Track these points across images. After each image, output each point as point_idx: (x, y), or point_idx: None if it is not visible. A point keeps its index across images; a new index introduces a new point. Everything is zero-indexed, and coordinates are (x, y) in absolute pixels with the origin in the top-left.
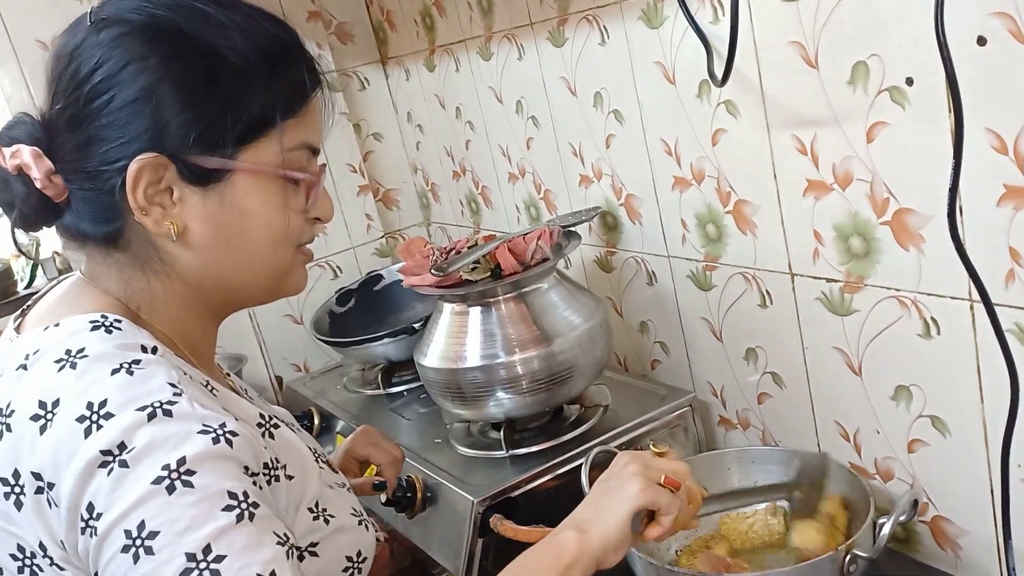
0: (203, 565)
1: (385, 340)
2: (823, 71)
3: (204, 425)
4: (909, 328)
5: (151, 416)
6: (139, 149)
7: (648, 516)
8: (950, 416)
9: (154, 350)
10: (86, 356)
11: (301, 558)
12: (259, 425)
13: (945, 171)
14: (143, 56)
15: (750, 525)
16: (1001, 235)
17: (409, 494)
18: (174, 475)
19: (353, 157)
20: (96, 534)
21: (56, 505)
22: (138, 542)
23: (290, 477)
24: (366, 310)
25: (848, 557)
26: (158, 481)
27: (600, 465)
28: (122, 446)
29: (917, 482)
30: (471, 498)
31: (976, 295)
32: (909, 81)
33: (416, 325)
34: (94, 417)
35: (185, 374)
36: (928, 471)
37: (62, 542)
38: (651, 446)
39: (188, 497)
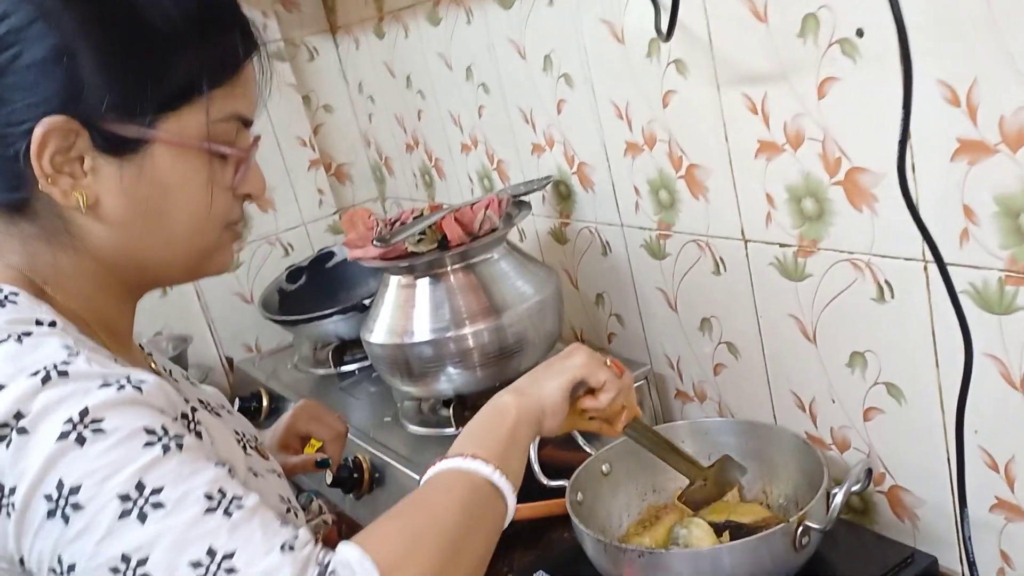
0: (141, 502)
1: (334, 317)
2: (772, 24)
3: (105, 380)
4: (863, 292)
5: (45, 379)
6: (47, 111)
7: (587, 393)
8: (905, 382)
9: (52, 324)
10: None
11: None
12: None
13: (897, 126)
14: (55, 11)
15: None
16: (955, 192)
17: (356, 474)
18: (80, 427)
19: (303, 130)
20: (14, 509)
21: None
22: (61, 502)
23: (214, 447)
24: (317, 288)
25: (800, 529)
26: (63, 436)
27: (555, 441)
28: (18, 415)
29: (873, 451)
30: (418, 477)
31: (930, 255)
32: (859, 32)
33: (366, 302)
34: None
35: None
36: (884, 440)
37: None
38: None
39: (101, 444)
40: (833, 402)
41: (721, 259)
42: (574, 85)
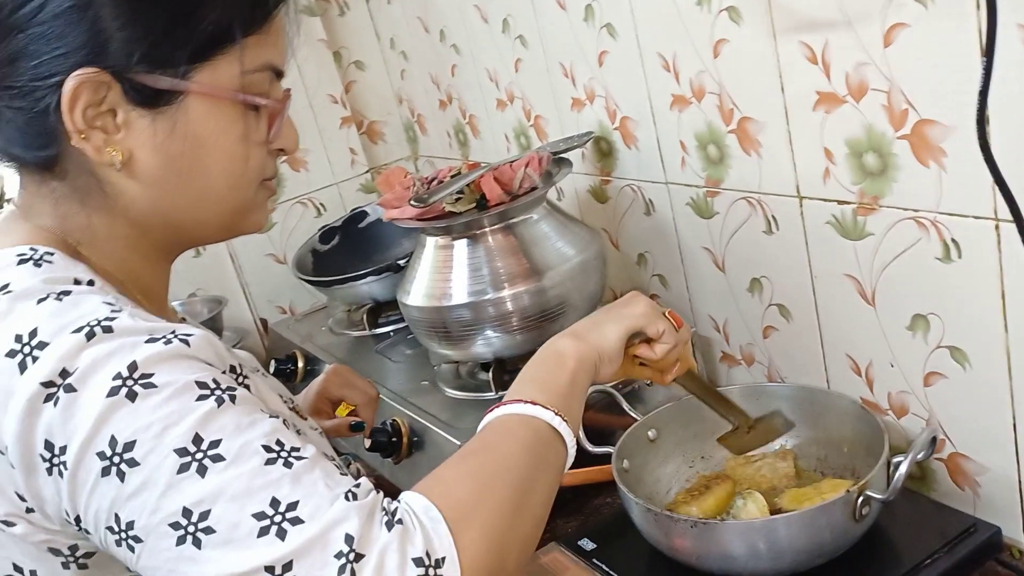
0: (199, 455)
1: (369, 279)
2: None
3: (151, 334)
4: (928, 252)
5: (90, 335)
6: (77, 64)
7: (643, 342)
8: (970, 346)
9: (90, 283)
10: (10, 292)
11: None
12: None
13: (971, 77)
14: None
15: (757, 469)
16: None
17: (395, 439)
18: (129, 382)
19: (334, 87)
20: (66, 469)
21: (2, 454)
22: (116, 459)
23: (262, 399)
24: (351, 248)
25: (861, 499)
26: (114, 392)
27: (600, 406)
28: (64, 373)
29: (933, 417)
30: (459, 442)
31: (1003, 213)
32: None
33: (401, 262)
34: (26, 349)
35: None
36: (945, 406)
37: (19, 495)
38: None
39: (153, 398)
40: (892, 366)
41: (773, 217)
42: (617, 36)
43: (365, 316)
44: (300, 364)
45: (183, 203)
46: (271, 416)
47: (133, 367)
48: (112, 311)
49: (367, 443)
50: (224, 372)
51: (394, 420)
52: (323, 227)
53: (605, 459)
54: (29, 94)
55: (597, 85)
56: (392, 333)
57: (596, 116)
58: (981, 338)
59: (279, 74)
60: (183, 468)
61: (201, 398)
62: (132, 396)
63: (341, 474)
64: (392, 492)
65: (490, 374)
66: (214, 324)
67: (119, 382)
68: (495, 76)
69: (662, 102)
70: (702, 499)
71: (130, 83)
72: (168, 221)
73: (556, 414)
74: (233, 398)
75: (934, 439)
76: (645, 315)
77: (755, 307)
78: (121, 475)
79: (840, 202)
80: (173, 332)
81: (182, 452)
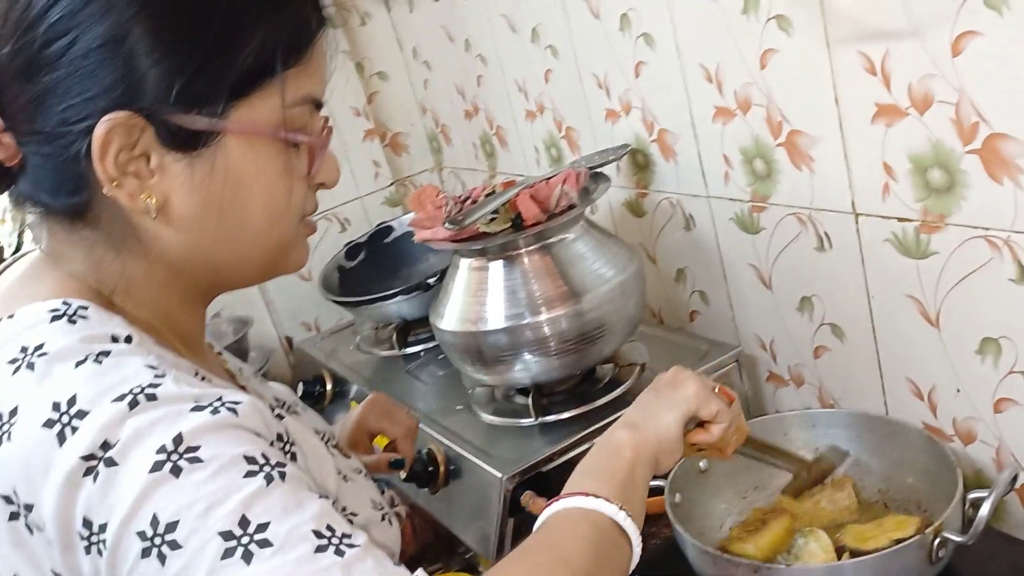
0: (245, 540)
1: (398, 298)
2: None
3: (197, 403)
4: (1000, 272)
5: (133, 404)
6: (108, 107)
7: (696, 426)
8: None
9: (128, 339)
10: (45, 354)
11: None
12: None
13: None
14: None
15: (816, 502)
16: None
17: (431, 468)
18: (174, 456)
19: (357, 99)
20: (105, 548)
21: (40, 530)
22: (157, 540)
23: (307, 465)
24: (377, 264)
25: (937, 540)
26: (157, 467)
27: None
28: (105, 445)
29: (1003, 445)
30: (499, 474)
31: None
32: None
33: (431, 281)
34: (64, 419)
35: (169, 361)
36: (1018, 433)
37: (55, 573)
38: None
39: (199, 473)
40: (958, 391)
41: (826, 234)
42: (656, 46)
43: (395, 335)
44: (328, 386)
45: (222, 245)
46: (320, 496)
47: (179, 439)
48: (156, 376)
49: (403, 474)
50: (272, 443)
51: (430, 449)
52: (349, 243)
53: (654, 491)
54: (57, 139)
55: (633, 96)
56: (422, 353)
57: (632, 128)
58: None
59: (319, 106)
60: (228, 553)
61: (249, 474)
62: (176, 471)
63: (395, 563)
64: (429, 522)
65: (529, 399)
66: (240, 345)
67: (163, 455)
68: (524, 86)
69: (704, 114)
70: (759, 536)
71: (164, 125)
72: (207, 265)
73: (620, 508)
74: (283, 475)
75: (1016, 476)
76: (698, 396)
77: (805, 326)
78: (162, 558)
79: (901, 219)
80: (220, 399)
81: (227, 536)
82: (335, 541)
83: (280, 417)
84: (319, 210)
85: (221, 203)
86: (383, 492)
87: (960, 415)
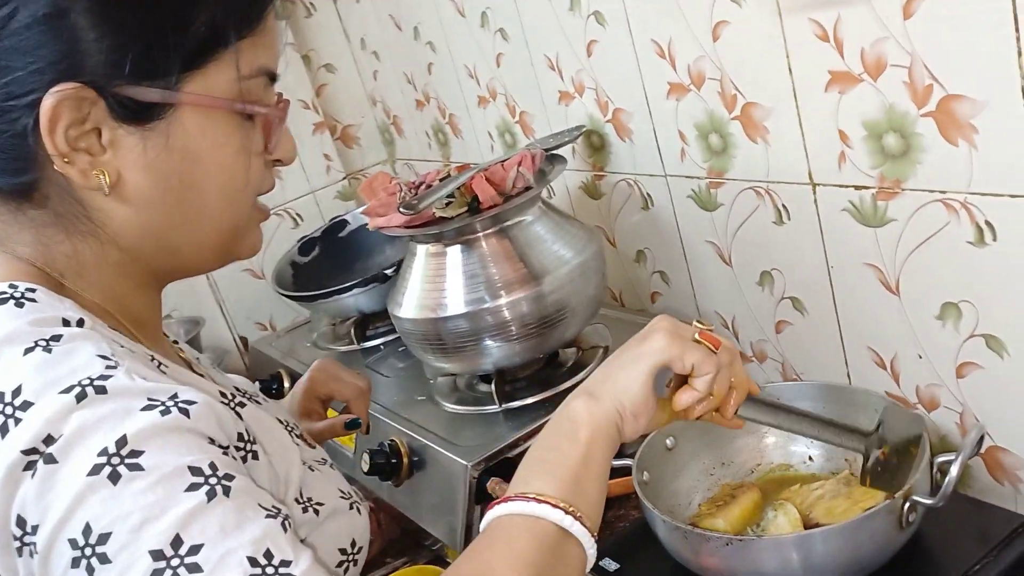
0: (175, 562)
1: (354, 291)
2: None
3: (149, 399)
4: (958, 236)
5: (80, 397)
6: (55, 79)
7: (680, 382)
8: (1008, 334)
9: (80, 323)
10: None
11: None
12: (221, 403)
13: (1005, 46)
14: None
15: (819, 497)
16: None
17: (394, 460)
18: (115, 459)
19: (305, 92)
20: (37, 551)
21: None
22: (88, 551)
23: (268, 459)
24: (332, 259)
25: (907, 505)
26: (96, 471)
27: None
28: (48, 439)
29: (967, 410)
30: (464, 461)
31: None
32: None
33: (388, 272)
34: (8, 410)
35: (123, 347)
36: (981, 398)
37: None
38: (695, 323)
39: (138, 483)
40: (920, 358)
41: (784, 206)
42: (607, 24)
43: (352, 330)
44: (286, 385)
45: (178, 225)
46: (268, 514)
47: (122, 442)
48: (107, 367)
49: (365, 467)
50: (227, 449)
51: (392, 440)
52: (302, 238)
53: (621, 471)
54: (2, 115)
55: (586, 77)
56: (382, 346)
57: (586, 109)
58: (1020, 324)
59: (273, 78)
60: (156, 575)
61: (192, 488)
62: (115, 478)
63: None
64: (396, 516)
65: (492, 386)
66: (192, 346)
67: (104, 459)
68: (475, 72)
69: (658, 91)
70: (728, 510)
71: (116, 98)
72: (161, 245)
73: (567, 511)
74: (227, 490)
75: (982, 438)
76: (666, 347)
77: (766, 301)
78: (91, 570)
79: (858, 187)
80: (174, 397)
81: (157, 555)
82: (270, 570)
83: (242, 405)
84: (270, 205)
85: (176, 180)
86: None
87: (923, 382)
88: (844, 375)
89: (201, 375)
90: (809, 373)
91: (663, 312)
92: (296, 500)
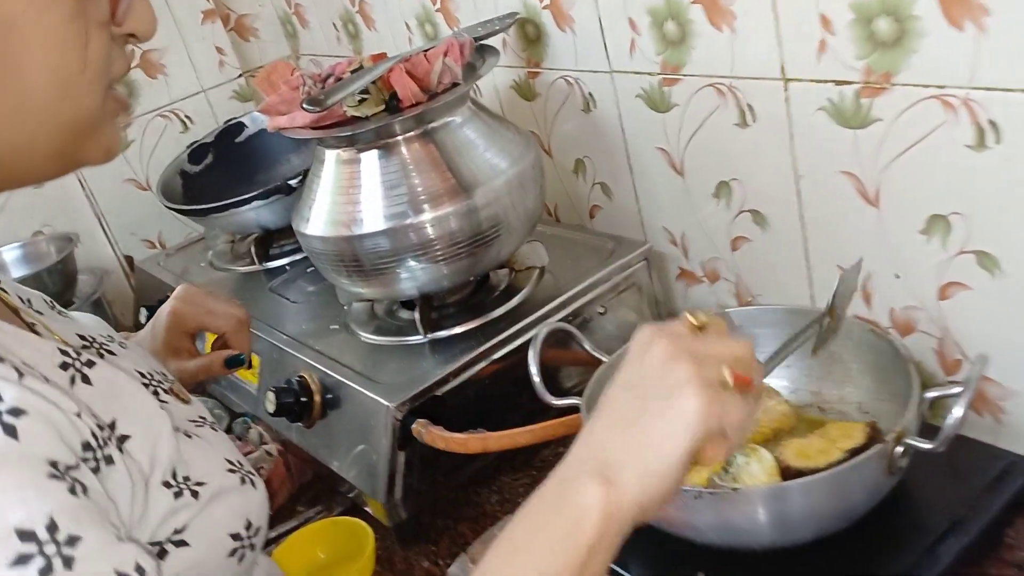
0: None
1: (254, 204)
2: None
3: None
4: (954, 137)
5: None
6: None
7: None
8: (1004, 250)
9: None
10: None
11: (163, 554)
12: (64, 366)
13: None
14: None
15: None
16: None
17: (303, 399)
18: None
19: None
20: None
21: None
22: None
23: (126, 438)
24: (228, 167)
25: (900, 449)
26: None
27: (551, 344)
28: None
29: (948, 335)
30: (386, 402)
31: None
32: None
33: (293, 183)
34: None
35: None
36: (965, 321)
37: None
38: (687, 316)
39: None
40: (897, 277)
41: (749, 106)
42: None
43: (253, 248)
44: None
45: None
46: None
47: None
48: None
49: (271, 407)
50: (75, 465)
51: (301, 376)
52: (192, 144)
53: (569, 410)
54: None
55: None
56: (288, 267)
57: None
58: (1018, 240)
59: None
60: None
61: (19, 562)
62: None
63: None
64: (306, 461)
65: (416, 314)
66: (65, 267)
67: None
68: None
69: None
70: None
71: None
72: None
73: None
74: (69, 561)
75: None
76: (704, 412)
77: (721, 215)
78: None
79: (839, 82)
80: None
81: None
82: None
83: (90, 364)
84: (153, 108)
85: None
86: (248, 428)
87: (899, 304)
88: (807, 297)
89: (32, 326)
90: (767, 295)
91: (604, 226)
92: (166, 484)
